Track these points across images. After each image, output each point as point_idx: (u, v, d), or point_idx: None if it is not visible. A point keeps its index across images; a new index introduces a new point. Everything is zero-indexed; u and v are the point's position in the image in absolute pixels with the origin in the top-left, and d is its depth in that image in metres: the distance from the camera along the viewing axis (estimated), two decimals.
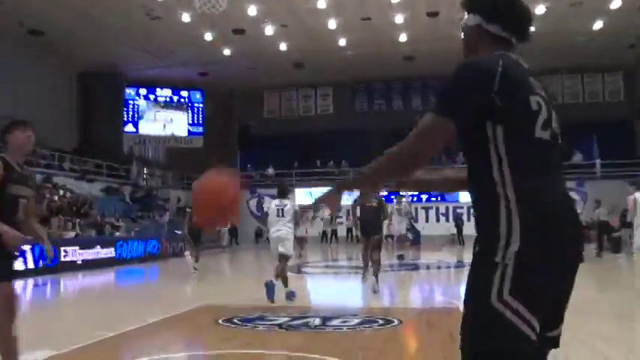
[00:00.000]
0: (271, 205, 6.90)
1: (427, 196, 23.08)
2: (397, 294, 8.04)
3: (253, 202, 25.26)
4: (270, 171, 26.13)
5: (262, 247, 21.91)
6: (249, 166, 26.68)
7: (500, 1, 1.49)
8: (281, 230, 6.67)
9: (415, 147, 1.40)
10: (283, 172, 25.44)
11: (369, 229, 8.18)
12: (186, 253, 11.31)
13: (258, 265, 14.94)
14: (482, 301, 1.36)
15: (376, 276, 7.85)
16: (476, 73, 1.38)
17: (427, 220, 23.17)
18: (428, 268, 12.04)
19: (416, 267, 12.05)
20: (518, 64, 1.43)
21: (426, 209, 23.34)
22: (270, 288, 6.58)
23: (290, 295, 6.69)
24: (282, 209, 6.76)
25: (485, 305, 1.35)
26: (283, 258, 6.72)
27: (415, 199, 22.92)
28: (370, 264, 8.10)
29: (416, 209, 22.97)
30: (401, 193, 21.19)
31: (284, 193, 6.99)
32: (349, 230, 22.74)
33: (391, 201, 14.89)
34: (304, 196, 23.72)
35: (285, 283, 6.76)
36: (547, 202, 1.36)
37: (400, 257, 13.14)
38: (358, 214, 8.23)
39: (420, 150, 1.40)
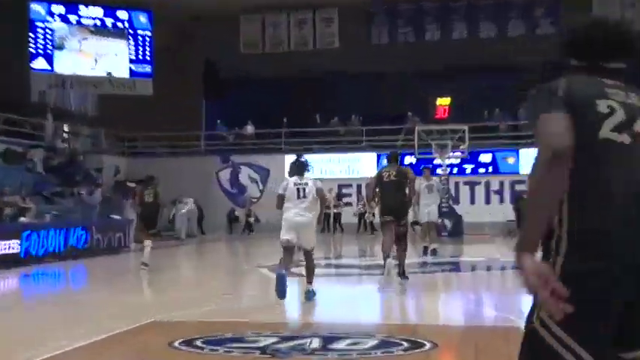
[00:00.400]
0: (288, 184, 7.41)
1: (473, 165, 22.96)
2: (430, 306, 8.08)
3: (225, 174, 25.15)
4: (249, 129, 25.95)
5: (238, 238, 21.91)
6: (218, 122, 26.47)
7: (569, 39, 2.10)
8: (303, 216, 7.29)
9: (544, 145, 1.80)
10: (268, 131, 25.29)
11: (393, 214, 8.63)
12: (146, 244, 11.36)
13: (231, 263, 14.88)
14: (527, 324, 1.89)
15: (402, 270, 8.82)
16: (545, 87, 1.95)
17: (473, 201, 23.08)
18: (473, 269, 12.16)
19: (456, 267, 12.20)
20: (592, 79, 1.98)
21: (472, 185, 23.21)
22: (281, 280, 7.07)
23: (310, 295, 7.43)
24: (304, 189, 7.32)
25: (528, 327, 1.88)
26: (307, 254, 7.52)
27: (456, 170, 22.80)
28: (394, 256, 8.80)
29: (456, 185, 22.91)
30: (438, 160, 21.08)
31: (302, 169, 7.52)
32: (361, 216, 22.66)
33: (419, 173, 14.70)
34: None
35: (310, 278, 7.52)
36: (605, 213, 1.81)
37: (428, 251, 13.22)
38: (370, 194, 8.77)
39: (549, 144, 1.79)
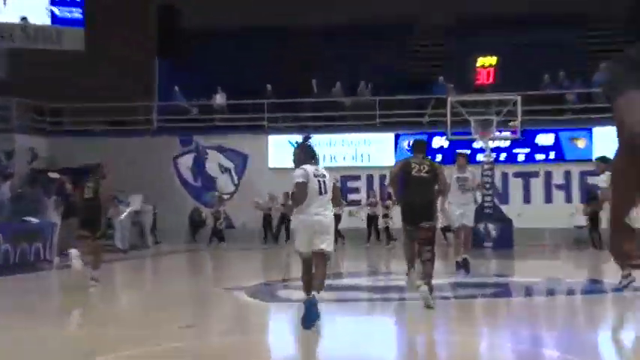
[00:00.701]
0: (308, 173, 7.91)
1: (528, 150, 22.90)
2: (467, 343, 8.07)
3: (186, 161, 25.14)
4: (220, 100, 25.89)
5: (204, 249, 21.84)
6: (176, 89, 26.36)
7: None
8: (324, 215, 7.92)
9: (627, 133, 2.17)
10: (245, 102, 25.33)
11: (416, 214, 9.23)
12: (74, 256, 11.83)
13: (194, 284, 14.76)
14: None
15: (429, 284, 9.06)
16: (628, 55, 2.29)
17: (527, 199, 23.09)
18: (528, 293, 12.17)
19: (503, 291, 12.30)
20: None
21: (526, 177, 23.21)
22: (310, 308, 7.55)
23: (310, 319, 7.54)
24: (324, 182, 7.93)
25: None
26: (322, 258, 7.94)
27: (504, 156, 22.74)
28: (419, 264, 9.31)
29: (504, 177, 22.86)
30: (480, 142, 20.97)
31: (315, 155, 8.21)
32: (371, 220, 22.60)
33: (452, 161, 14.62)
34: (286, 148, 23.46)
35: (318, 289, 7.82)
36: None
37: (463, 264, 13.34)
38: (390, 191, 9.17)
39: (633, 134, 2.14)
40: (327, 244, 7.90)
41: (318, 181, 7.89)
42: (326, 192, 7.92)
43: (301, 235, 7.90)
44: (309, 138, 8.46)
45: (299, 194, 7.80)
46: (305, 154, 8.16)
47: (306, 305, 7.63)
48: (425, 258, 9.19)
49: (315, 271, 7.97)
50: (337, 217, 22.08)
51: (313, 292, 7.71)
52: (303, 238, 7.89)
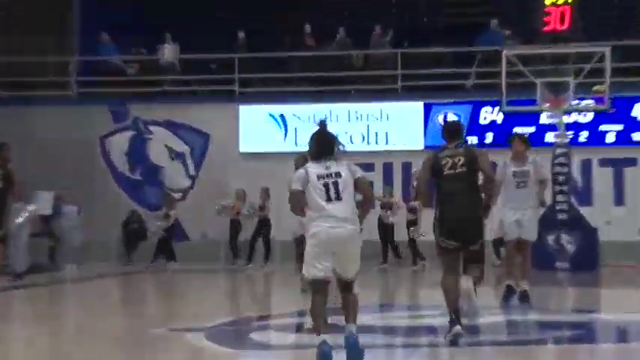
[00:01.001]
0: (307, 176, 8.34)
1: (621, 127, 22.91)
2: None
3: (120, 142, 25.28)
4: (168, 53, 25.92)
5: (144, 272, 21.73)
6: (104, 37, 26.30)
7: None
8: (342, 227, 8.24)
9: None
10: (206, 57, 25.57)
11: (457, 229, 9.68)
12: None
13: (127, 324, 14.70)
14: None
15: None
16: None
17: (619, 200, 23.24)
18: (621, 338, 12.21)
19: (586, 333, 12.24)
20: None
21: (618, 167, 23.30)
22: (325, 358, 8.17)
23: (353, 342, 8.22)
24: (335, 183, 8.29)
25: None
26: (346, 285, 8.44)
27: (585, 136, 22.77)
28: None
29: (586, 166, 22.86)
30: (549, 116, 20.95)
31: (328, 147, 8.54)
32: (385, 229, 22.60)
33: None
34: (264, 123, 23.47)
35: (353, 316, 8.53)
36: None
37: (516, 295, 13.77)
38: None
39: None
40: (347, 269, 8.31)
41: (325, 184, 8.21)
42: (339, 197, 8.21)
43: (313, 255, 8.21)
44: (325, 124, 8.82)
45: (292, 206, 8.34)
46: (319, 146, 8.46)
47: (347, 335, 8.20)
48: (473, 275, 9.83)
49: (345, 299, 8.42)
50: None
51: (349, 325, 8.28)
52: (314, 260, 8.19)
